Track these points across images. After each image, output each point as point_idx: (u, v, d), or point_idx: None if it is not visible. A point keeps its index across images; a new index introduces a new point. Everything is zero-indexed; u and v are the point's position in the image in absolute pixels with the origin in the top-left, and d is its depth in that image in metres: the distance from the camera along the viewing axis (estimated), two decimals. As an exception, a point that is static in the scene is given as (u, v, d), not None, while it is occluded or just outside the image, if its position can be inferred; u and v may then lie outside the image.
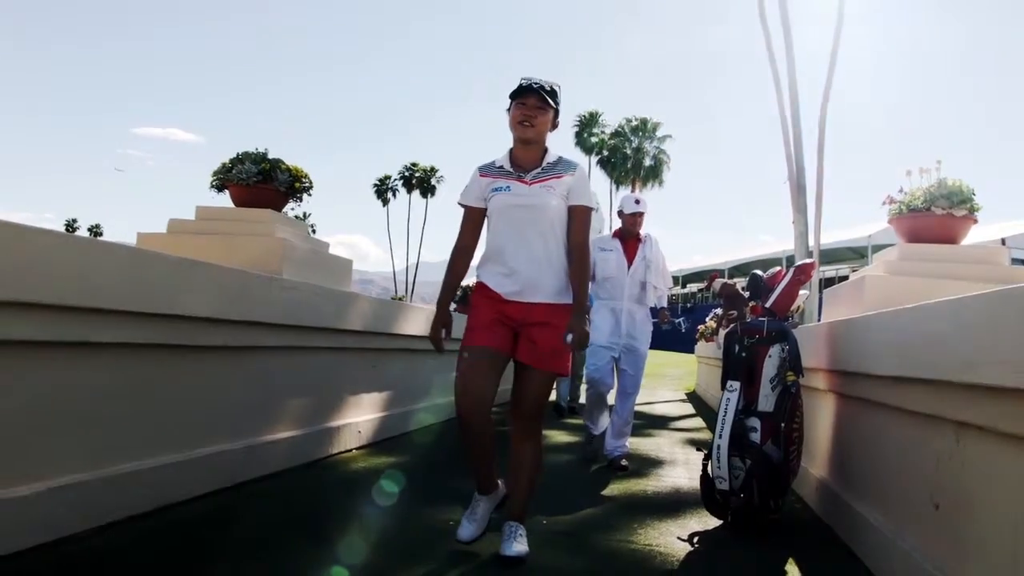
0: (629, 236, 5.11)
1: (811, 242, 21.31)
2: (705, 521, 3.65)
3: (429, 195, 61.89)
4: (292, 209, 4.86)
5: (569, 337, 2.76)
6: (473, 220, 3.00)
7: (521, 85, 2.83)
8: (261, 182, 4.55)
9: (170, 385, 3.25)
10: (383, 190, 63.71)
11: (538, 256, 2.83)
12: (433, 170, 62.25)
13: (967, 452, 2.23)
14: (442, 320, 2.97)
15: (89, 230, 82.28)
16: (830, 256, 28.11)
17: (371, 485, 3.98)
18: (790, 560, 3.08)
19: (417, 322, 5.82)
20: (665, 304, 5.26)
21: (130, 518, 2.97)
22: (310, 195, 4.79)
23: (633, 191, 45.63)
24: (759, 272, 3.91)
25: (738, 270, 38.59)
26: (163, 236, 4.50)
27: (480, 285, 2.94)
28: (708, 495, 3.60)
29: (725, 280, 4.14)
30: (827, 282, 28.03)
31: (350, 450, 4.98)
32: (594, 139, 49.31)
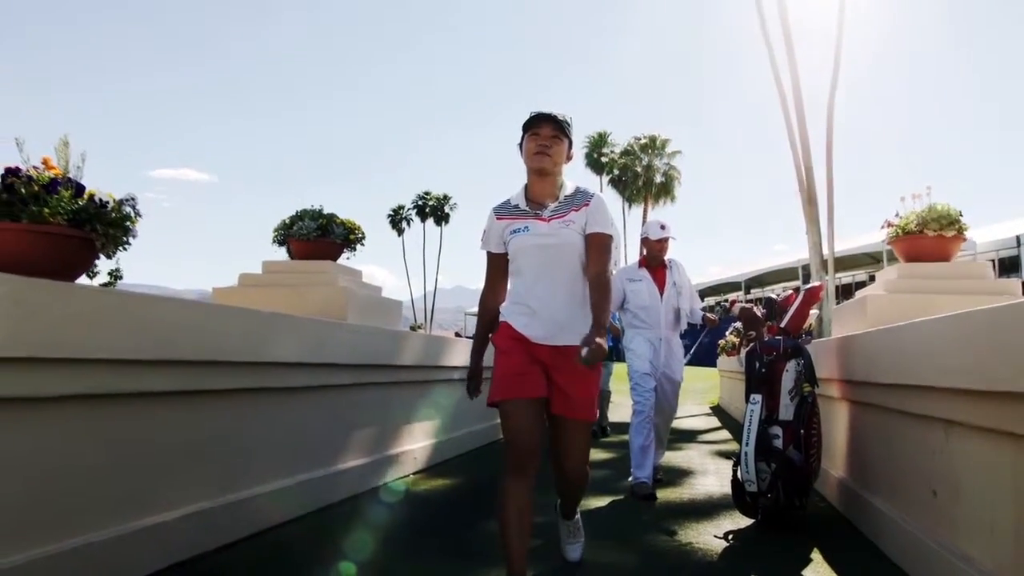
0: (655, 263, 5.09)
1: (825, 251, 21.70)
2: (737, 521, 4.09)
3: (443, 223, 62.60)
4: (348, 258, 5.37)
5: (584, 351, 2.43)
6: (497, 266, 2.88)
7: (533, 115, 2.72)
8: (320, 236, 5.08)
9: (264, 423, 3.75)
10: (397, 220, 64.47)
11: (564, 296, 2.72)
12: (446, 198, 63.00)
13: (955, 445, 2.69)
14: (474, 371, 2.92)
15: (109, 274, 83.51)
16: (846, 263, 28.34)
17: (433, 506, 4.46)
18: (815, 549, 3.52)
19: (460, 354, 6.31)
20: (699, 319, 5.17)
21: (243, 539, 3.47)
22: (363, 245, 5.30)
23: (646, 209, 46.08)
24: (773, 296, 4.38)
25: (755, 281, 38.84)
26: (236, 289, 5.03)
27: (505, 325, 2.79)
28: (739, 497, 4.04)
29: (743, 304, 4.60)
30: (844, 289, 28.29)
31: (408, 475, 5.46)
32: (604, 159, 49.87)
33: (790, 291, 4.46)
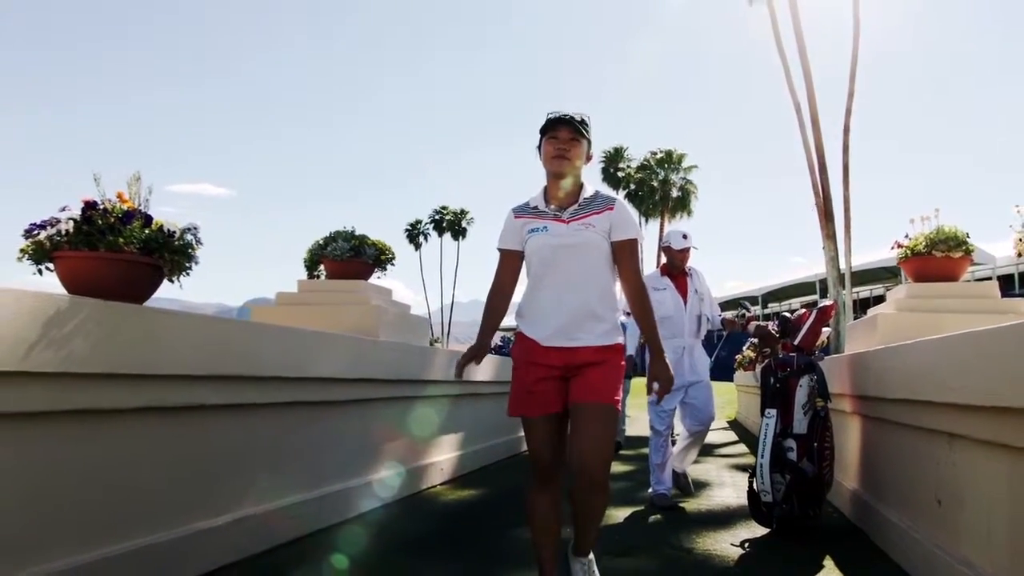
0: (676, 271, 5.13)
1: (842, 265, 21.81)
2: (753, 530, 4.27)
3: (460, 237, 62.99)
4: (379, 277, 5.62)
5: (656, 385, 2.71)
6: (510, 264, 2.83)
7: (550, 118, 2.68)
8: (353, 256, 5.32)
9: (308, 435, 3.99)
10: (415, 234, 64.93)
11: (581, 298, 2.66)
12: (463, 212, 63.44)
13: (957, 456, 2.87)
14: (476, 351, 2.83)
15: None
16: (864, 277, 28.40)
17: (460, 515, 4.66)
18: (827, 557, 3.70)
19: (484, 370, 6.52)
20: (719, 324, 5.24)
21: (284, 544, 3.69)
22: (393, 265, 5.55)
23: (663, 224, 46.21)
24: (788, 314, 4.57)
25: (772, 295, 38.90)
26: (274, 309, 5.28)
27: (520, 337, 2.78)
28: (755, 507, 4.22)
29: (758, 323, 4.80)
30: (862, 303, 28.28)
31: (435, 485, 5.67)
32: (620, 174, 50.10)
33: (803, 310, 4.64)
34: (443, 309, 62.46)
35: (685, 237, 5.10)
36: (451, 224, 63.15)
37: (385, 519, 4.47)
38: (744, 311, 5.15)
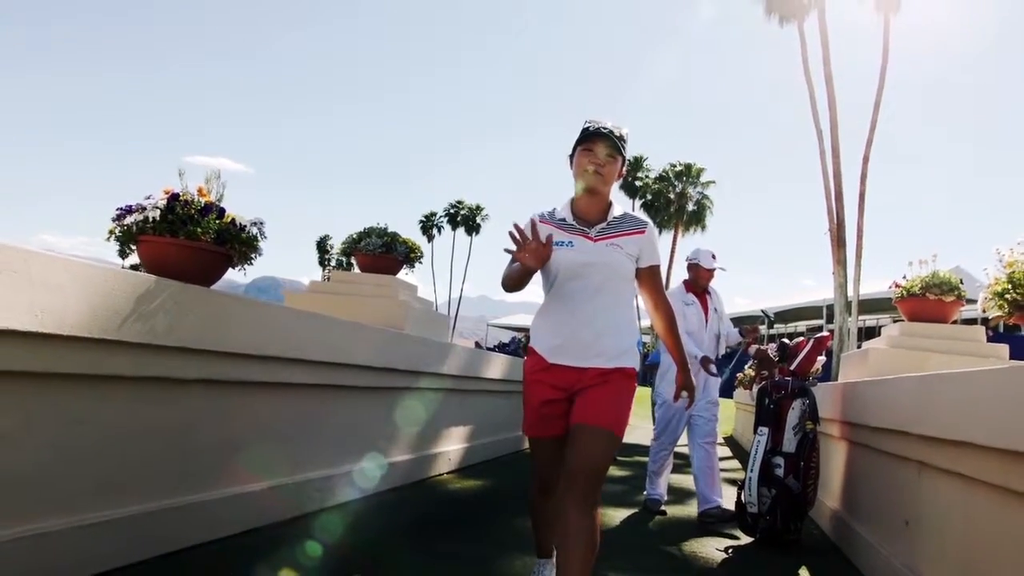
0: (699, 289, 5.27)
1: (850, 293, 22.06)
2: (738, 539, 4.61)
3: (474, 233, 63.37)
4: (407, 274, 5.97)
5: (684, 395, 2.82)
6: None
7: (589, 130, 2.55)
8: (384, 252, 5.68)
9: (332, 416, 4.34)
10: (429, 226, 65.36)
11: (601, 318, 2.58)
12: (479, 208, 63.80)
13: (924, 483, 3.20)
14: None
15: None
16: (871, 306, 28.49)
17: (465, 502, 5.01)
18: (803, 567, 4.04)
19: (495, 368, 6.88)
20: (736, 339, 5.31)
21: (312, 512, 4.06)
22: (421, 263, 5.90)
23: (676, 236, 46.45)
24: (787, 341, 4.91)
25: (779, 316, 39.07)
26: (306, 295, 5.64)
27: (532, 352, 2.70)
28: (741, 517, 4.56)
29: (759, 346, 5.13)
30: (868, 331, 28.42)
31: (442, 473, 6.02)
32: (639, 183, 50.34)
33: (801, 338, 4.97)
34: (451, 302, 62.87)
35: (714, 257, 5.23)
36: (466, 219, 63.52)
37: (396, 500, 4.83)
38: (766, 318, 5.46)
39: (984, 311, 2.42)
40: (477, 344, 38.33)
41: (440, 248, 62.88)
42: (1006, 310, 2.32)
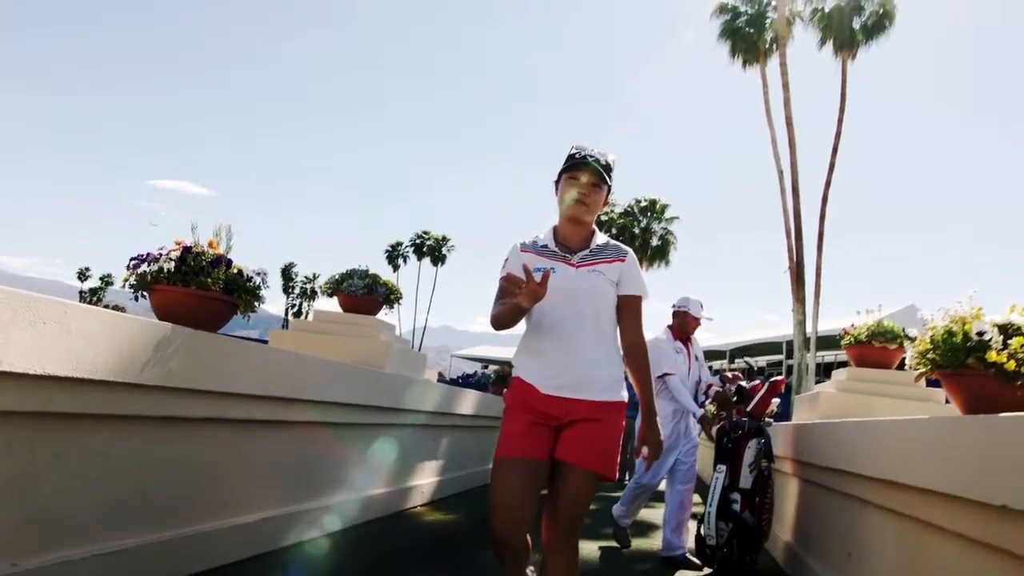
0: (684, 337, 5.36)
1: (808, 330, 22.70)
2: (697, 569, 4.92)
3: (440, 264, 63.64)
4: (386, 314, 6.24)
5: (645, 450, 2.60)
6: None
7: (575, 157, 2.52)
8: (366, 294, 5.95)
9: (321, 453, 4.58)
10: (394, 256, 65.56)
11: (585, 348, 2.51)
12: (445, 239, 64.19)
13: (865, 518, 3.55)
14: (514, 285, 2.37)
15: (101, 279, 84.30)
16: (830, 343, 29.22)
17: (439, 534, 5.25)
18: (758, 596, 4.36)
19: (465, 403, 7.16)
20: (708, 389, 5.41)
21: (297, 543, 4.28)
22: (400, 304, 6.17)
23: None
24: (744, 384, 5.27)
25: (740, 351, 39.78)
26: (290, 334, 5.88)
27: (517, 381, 2.60)
28: (700, 549, 4.87)
29: (719, 388, 5.48)
30: (826, 367, 29.13)
31: (416, 506, 6.26)
32: (604, 217, 51.08)
33: (757, 381, 5.34)
34: (415, 332, 62.86)
35: (702, 307, 5.37)
36: (432, 249, 63.83)
37: (377, 531, 5.06)
38: (748, 366, 5.74)
39: (911, 367, 2.76)
40: (440, 376, 38.14)
41: (405, 277, 62.80)
42: (928, 367, 2.68)
